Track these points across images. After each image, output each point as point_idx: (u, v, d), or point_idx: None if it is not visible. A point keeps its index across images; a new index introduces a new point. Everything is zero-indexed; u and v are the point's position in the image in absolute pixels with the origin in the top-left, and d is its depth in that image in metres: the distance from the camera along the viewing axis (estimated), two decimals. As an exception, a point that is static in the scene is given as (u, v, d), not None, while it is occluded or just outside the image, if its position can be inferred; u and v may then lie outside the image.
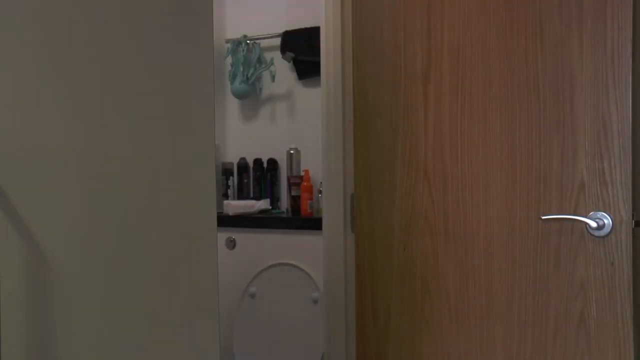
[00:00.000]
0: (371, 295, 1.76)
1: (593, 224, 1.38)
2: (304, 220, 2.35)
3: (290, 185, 2.45)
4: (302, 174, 2.44)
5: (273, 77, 2.53)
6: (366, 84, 1.75)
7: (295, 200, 2.41)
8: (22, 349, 0.81)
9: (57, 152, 0.84)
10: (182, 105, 1.00)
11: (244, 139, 2.62)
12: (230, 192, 2.57)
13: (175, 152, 0.99)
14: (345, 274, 1.81)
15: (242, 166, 2.57)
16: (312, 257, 2.26)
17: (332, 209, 1.84)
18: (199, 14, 1.03)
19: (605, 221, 1.38)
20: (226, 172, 2.58)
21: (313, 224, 2.26)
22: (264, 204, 2.48)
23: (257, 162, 2.56)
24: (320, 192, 2.30)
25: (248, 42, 2.57)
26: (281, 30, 2.50)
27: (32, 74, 0.82)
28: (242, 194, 2.57)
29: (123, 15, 0.92)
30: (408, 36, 1.67)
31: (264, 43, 2.56)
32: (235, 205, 2.47)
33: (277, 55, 2.52)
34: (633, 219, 1.37)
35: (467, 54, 1.57)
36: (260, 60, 2.57)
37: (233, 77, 2.57)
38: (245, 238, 2.49)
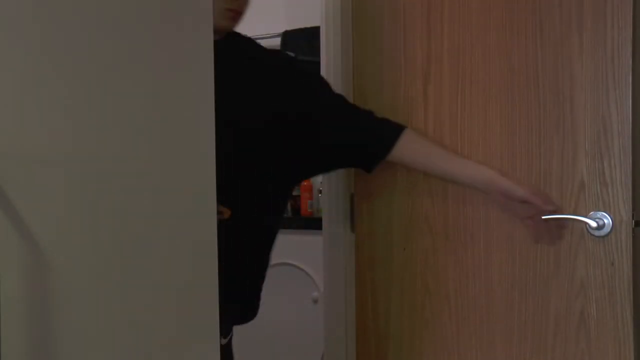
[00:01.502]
0: (371, 295, 1.76)
1: (593, 224, 1.38)
2: (304, 220, 2.36)
3: (290, 185, 2.45)
4: (302, 174, 2.44)
5: (273, 77, 2.52)
6: (366, 84, 1.75)
7: (295, 200, 2.41)
8: (22, 349, 0.81)
9: (58, 152, 0.84)
10: (182, 105, 1.00)
11: (244, 139, 2.61)
12: (230, 192, 2.57)
13: (176, 152, 0.99)
14: (345, 274, 1.81)
15: (242, 166, 2.57)
16: (312, 257, 2.26)
17: (332, 209, 1.84)
18: (198, 14, 1.03)
19: (605, 221, 1.38)
20: (226, 172, 2.57)
21: (313, 224, 2.26)
22: (264, 204, 2.48)
23: (257, 162, 2.55)
24: (320, 192, 2.31)
25: (248, 42, 2.56)
26: (281, 30, 2.51)
27: (33, 74, 0.82)
28: (242, 194, 2.56)
29: (123, 14, 0.92)
30: (408, 36, 1.67)
31: (263, 43, 2.56)
32: (235, 205, 2.46)
33: (277, 55, 2.52)
34: (633, 218, 1.37)
35: (467, 53, 1.57)
36: (260, 60, 2.56)
37: (233, 77, 2.57)
38: (245, 238, 2.48)
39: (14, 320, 0.79)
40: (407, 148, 1.50)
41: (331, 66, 1.82)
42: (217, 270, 1.04)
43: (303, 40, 2.45)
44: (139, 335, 0.95)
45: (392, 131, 1.51)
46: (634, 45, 1.36)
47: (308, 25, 2.41)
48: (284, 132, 1.52)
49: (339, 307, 1.82)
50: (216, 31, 1.50)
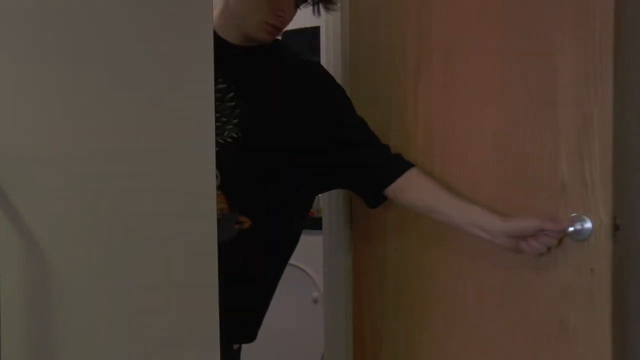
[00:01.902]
0: (368, 296, 1.75)
1: (573, 228, 1.31)
2: (303, 220, 2.36)
3: (290, 185, 2.45)
4: (302, 173, 2.44)
5: (273, 77, 2.52)
6: (361, 85, 1.75)
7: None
8: (22, 349, 0.81)
9: (58, 152, 0.84)
10: (182, 105, 1.00)
11: (244, 139, 2.61)
12: (230, 192, 2.57)
13: (176, 152, 0.99)
14: (345, 274, 1.81)
15: (243, 166, 2.56)
16: (312, 257, 2.26)
17: (332, 209, 1.84)
18: (199, 14, 1.03)
19: (586, 225, 1.30)
20: (226, 172, 2.57)
21: (313, 224, 2.26)
22: (264, 204, 2.47)
23: (258, 162, 2.55)
24: (320, 192, 2.31)
25: (248, 42, 2.56)
26: (281, 30, 2.50)
27: (33, 74, 0.82)
28: (242, 194, 2.56)
29: (122, 15, 0.92)
30: (400, 36, 1.65)
31: (264, 43, 2.55)
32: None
33: (277, 55, 2.52)
34: (613, 222, 1.29)
35: (456, 53, 1.53)
36: (260, 60, 2.56)
37: (233, 77, 2.57)
38: (246, 238, 2.48)
39: (14, 320, 0.79)
40: (410, 184, 1.46)
41: (331, 66, 1.82)
42: (217, 273, 1.04)
43: (303, 40, 2.44)
44: (139, 335, 0.95)
45: (402, 165, 1.48)
46: (617, 41, 1.29)
47: (308, 25, 2.40)
48: (311, 143, 1.50)
49: (339, 307, 1.82)
50: (251, 40, 1.51)
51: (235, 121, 1.46)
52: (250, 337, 1.58)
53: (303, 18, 2.44)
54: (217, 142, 1.40)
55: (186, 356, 1.01)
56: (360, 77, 1.76)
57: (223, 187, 1.41)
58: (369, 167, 1.52)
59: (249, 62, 1.52)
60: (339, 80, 1.74)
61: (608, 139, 1.29)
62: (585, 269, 1.31)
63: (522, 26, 1.43)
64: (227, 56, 1.42)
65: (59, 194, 0.84)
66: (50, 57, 0.84)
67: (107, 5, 0.90)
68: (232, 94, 1.47)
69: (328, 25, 1.85)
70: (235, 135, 1.45)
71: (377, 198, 1.54)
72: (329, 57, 1.84)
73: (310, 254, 2.27)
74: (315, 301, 2.31)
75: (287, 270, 2.32)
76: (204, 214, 1.04)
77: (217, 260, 1.04)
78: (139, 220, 0.94)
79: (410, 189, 1.46)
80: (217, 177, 1.41)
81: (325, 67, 1.82)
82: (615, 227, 1.29)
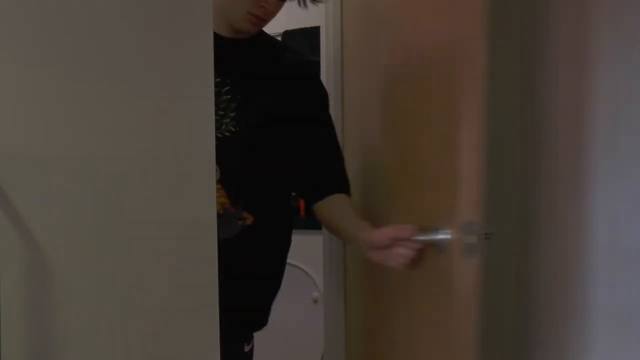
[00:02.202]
0: (361, 295, 1.75)
1: (441, 238, 1.17)
2: (304, 220, 2.35)
3: (290, 185, 2.45)
4: (302, 173, 2.44)
5: (273, 77, 2.52)
6: (348, 85, 1.75)
7: (295, 200, 2.41)
8: (22, 350, 0.81)
9: (58, 152, 0.84)
10: (182, 106, 1.00)
11: (244, 139, 2.61)
12: (230, 192, 2.57)
13: (175, 152, 0.99)
14: (345, 274, 1.81)
15: (242, 166, 2.56)
16: (312, 256, 2.26)
17: (332, 209, 1.84)
18: (198, 14, 1.03)
19: (443, 234, 1.16)
20: (226, 172, 2.57)
21: (313, 224, 2.26)
22: (264, 203, 2.47)
23: (257, 162, 2.55)
24: (320, 192, 2.31)
25: (248, 42, 2.56)
26: (281, 30, 2.50)
27: (32, 73, 0.82)
28: (242, 194, 2.56)
29: (122, 15, 0.92)
30: (366, 42, 1.66)
31: (264, 43, 2.55)
32: (235, 205, 2.46)
33: (277, 55, 2.52)
34: (478, 231, 1.12)
35: (396, 57, 1.50)
36: (260, 60, 2.56)
37: (233, 77, 2.57)
38: (246, 238, 2.48)
39: (14, 320, 0.79)
40: (325, 205, 1.50)
41: (331, 66, 1.82)
42: (217, 273, 1.04)
43: (303, 40, 2.45)
44: (139, 336, 0.95)
45: (333, 188, 1.51)
46: (487, 37, 1.14)
47: (308, 25, 2.41)
48: (292, 139, 1.51)
49: (338, 307, 1.82)
50: (238, 32, 1.51)
51: (232, 114, 1.46)
52: (261, 324, 1.64)
53: (303, 18, 2.45)
54: (215, 136, 1.40)
55: (186, 356, 1.01)
56: (350, 77, 1.76)
57: (222, 181, 1.41)
58: (309, 181, 1.54)
59: (242, 55, 1.53)
60: (339, 79, 1.75)
61: (475, 139, 1.14)
62: (449, 281, 1.18)
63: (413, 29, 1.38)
64: (221, 49, 1.42)
65: (58, 194, 0.84)
66: (50, 56, 0.84)
67: (107, 5, 0.90)
68: (227, 88, 1.47)
69: (328, 25, 1.85)
70: (233, 129, 1.46)
71: (309, 211, 1.58)
72: (329, 57, 1.84)
73: (310, 254, 2.27)
74: (315, 301, 2.31)
75: (287, 270, 2.32)
76: (204, 214, 1.04)
77: (217, 260, 1.04)
78: (138, 220, 0.94)
79: (325, 208, 1.50)
80: (216, 171, 1.41)
81: (325, 67, 1.83)
82: (482, 236, 1.12)
